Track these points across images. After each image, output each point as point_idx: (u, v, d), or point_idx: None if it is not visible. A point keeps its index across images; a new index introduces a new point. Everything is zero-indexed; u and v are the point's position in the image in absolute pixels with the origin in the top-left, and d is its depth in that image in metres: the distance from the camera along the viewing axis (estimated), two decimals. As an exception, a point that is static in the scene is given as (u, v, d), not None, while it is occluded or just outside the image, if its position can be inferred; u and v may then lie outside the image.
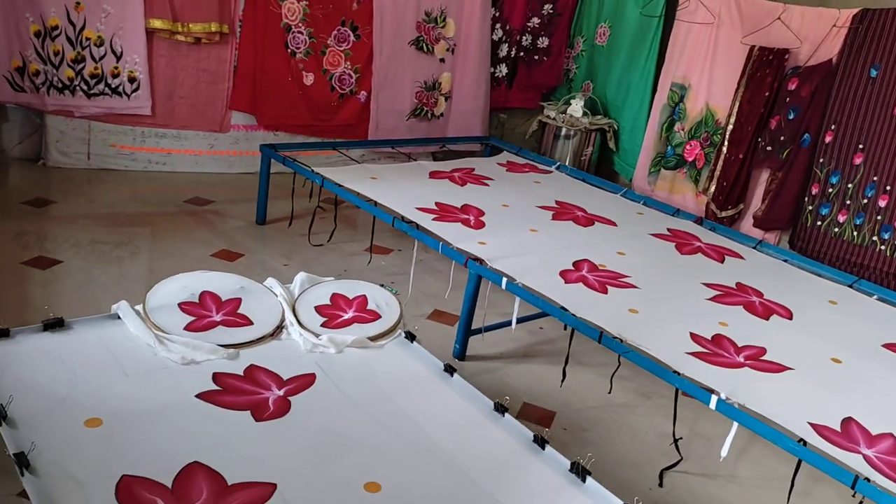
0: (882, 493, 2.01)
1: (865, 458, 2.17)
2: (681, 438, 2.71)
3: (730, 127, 4.40)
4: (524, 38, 5.58)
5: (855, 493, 2.11)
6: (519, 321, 3.29)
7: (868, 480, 2.05)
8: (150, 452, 1.79)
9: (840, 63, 3.96)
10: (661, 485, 2.60)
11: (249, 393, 2.10)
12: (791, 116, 4.09)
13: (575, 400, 3.04)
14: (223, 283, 2.56)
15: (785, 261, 3.67)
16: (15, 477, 2.06)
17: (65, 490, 1.63)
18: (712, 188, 4.49)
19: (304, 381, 2.18)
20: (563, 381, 2.99)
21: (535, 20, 5.55)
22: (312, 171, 3.88)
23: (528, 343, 3.45)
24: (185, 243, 3.89)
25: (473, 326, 3.26)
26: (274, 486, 1.75)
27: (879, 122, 3.81)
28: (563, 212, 3.95)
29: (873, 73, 3.83)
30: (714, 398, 2.33)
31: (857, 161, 3.87)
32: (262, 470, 1.80)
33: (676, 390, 2.52)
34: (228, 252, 3.86)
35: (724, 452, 2.38)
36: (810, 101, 4.02)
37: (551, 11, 5.56)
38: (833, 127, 3.96)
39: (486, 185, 4.25)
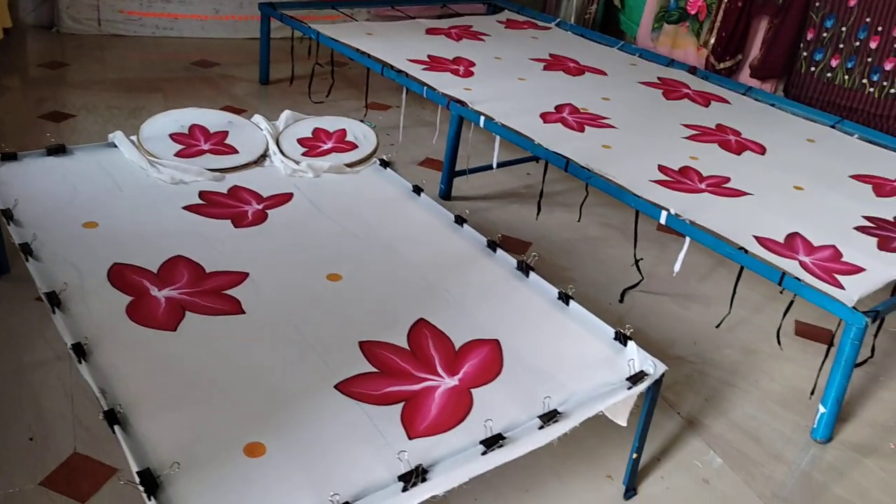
0: (806, 287, 2.18)
1: (801, 263, 2.32)
2: (641, 259, 2.89)
3: (731, -25, 4.33)
4: None
5: (782, 290, 2.28)
6: (505, 164, 3.45)
7: (799, 280, 2.21)
8: (140, 248, 2.04)
9: None
10: (621, 301, 2.81)
11: (231, 206, 2.32)
12: (790, -41, 4.02)
13: (551, 234, 3.22)
14: (212, 118, 2.75)
15: (772, 105, 3.72)
16: (33, 285, 2.35)
17: (63, 273, 1.89)
18: (712, 40, 4.47)
19: (282, 199, 2.40)
20: (538, 214, 3.17)
21: None
22: (309, 26, 3.98)
23: (513, 186, 3.61)
24: (190, 101, 4.05)
25: (462, 170, 3.43)
26: (246, 274, 1.99)
27: (879, -38, 3.72)
28: (554, 63, 4.02)
29: None
30: (664, 213, 2.49)
31: (852, 3, 3.82)
32: (237, 263, 2.04)
33: (636, 212, 2.68)
34: (232, 108, 4.04)
35: (676, 268, 2.56)
36: (809, -58, 3.93)
37: None
38: (831, -32, 3.89)
39: (482, 40, 4.30)
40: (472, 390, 1.70)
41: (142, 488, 1.33)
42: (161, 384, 1.60)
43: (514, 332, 1.91)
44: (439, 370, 1.75)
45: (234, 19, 5.01)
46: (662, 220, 2.50)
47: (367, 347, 1.79)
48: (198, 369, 1.66)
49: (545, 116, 3.26)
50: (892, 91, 3.68)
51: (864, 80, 3.79)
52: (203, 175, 2.43)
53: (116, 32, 4.79)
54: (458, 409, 1.64)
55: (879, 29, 3.71)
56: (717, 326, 2.68)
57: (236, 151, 2.60)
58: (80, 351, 1.62)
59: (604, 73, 3.93)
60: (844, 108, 3.88)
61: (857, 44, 3.81)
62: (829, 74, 3.95)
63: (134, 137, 2.55)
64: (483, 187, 3.54)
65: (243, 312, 1.85)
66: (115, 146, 2.52)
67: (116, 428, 1.45)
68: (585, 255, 3.10)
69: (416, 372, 1.73)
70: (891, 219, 2.66)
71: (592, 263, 3.04)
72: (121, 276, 1.91)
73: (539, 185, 3.64)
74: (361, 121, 2.86)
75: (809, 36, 4.01)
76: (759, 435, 2.24)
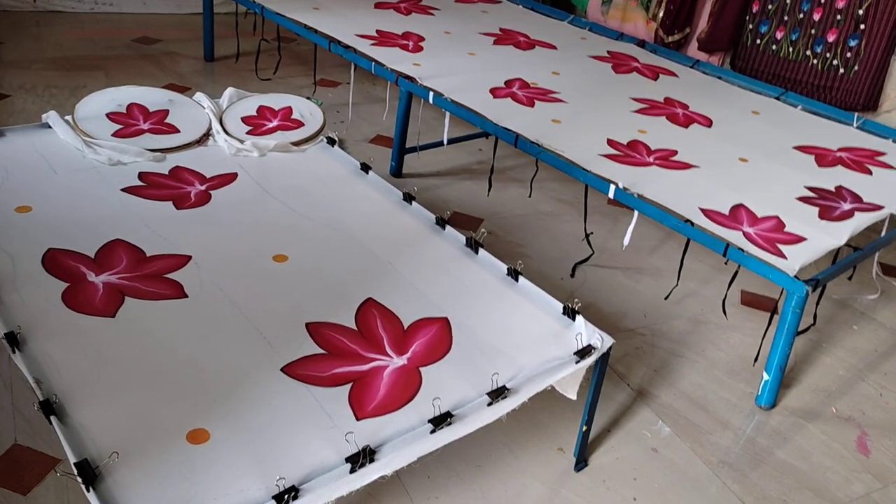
0: (748, 257, 2.21)
1: (745, 234, 2.35)
2: (592, 233, 2.91)
3: (679, -52, 4.34)
4: None
5: (727, 261, 2.31)
6: (456, 141, 3.43)
7: (742, 251, 2.25)
8: (76, 232, 1.97)
9: None
10: (572, 276, 2.82)
11: (173, 188, 2.26)
12: (736, -68, 4.04)
13: (503, 210, 3.22)
14: (151, 96, 2.67)
15: (719, 78, 3.75)
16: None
17: (-4, 260, 1.82)
18: (661, 13, 4.49)
19: (226, 179, 2.34)
20: (489, 190, 3.16)
21: None
22: (253, 0, 3.87)
23: (465, 162, 3.60)
24: (132, 79, 3.94)
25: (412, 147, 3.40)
26: (189, 257, 1.95)
27: (822, -66, 3.77)
28: (505, 38, 3.99)
29: None
30: (612, 187, 2.50)
31: (796, -25, 3.87)
32: (179, 245, 1.99)
33: (586, 186, 2.68)
34: (176, 86, 3.93)
35: (625, 241, 2.58)
36: (754, -86, 3.95)
37: None
38: (775, -59, 3.92)
39: (432, 14, 4.24)
40: (421, 369, 1.69)
41: (80, 479, 1.29)
42: (99, 372, 1.55)
43: (463, 309, 1.90)
44: (388, 350, 1.73)
45: (176, -7, 4.86)
46: (611, 195, 2.51)
47: (315, 329, 1.76)
48: (138, 356, 1.62)
49: (495, 91, 3.23)
50: (835, 63, 3.75)
51: (808, 52, 3.85)
52: (142, 155, 2.36)
53: (53, 9, 4.61)
54: (406, 388, 1.63)
55: (822, 1, 3.77)
56: (665, 298, 2.72)
57: (177, 131, 2.53)
58: (14, 340, 1.56)
59: (554, 48, 3.92)
60: (789, 80, 3.94)
61: (801, 16, 3.87)
62: (774, 47, 4.00)
63: (69, 117, 2.46)
64: (435, 164, 3.51)
65: (186, 296, 1.81)
66: (50, 127, 2.43)
67: (53, 418, 1.41)
68: (538, 230, 3.11)
69: (364, 352, 1.71)
70: (832, 189, 2.71)
71: (545, 239, 3.05)
72: (56, 261, 1.85)
73: (491, 161, 3.64)
74: (308, 98, 2.80)
75: (755, 8, 4.05)
76: (705, 403, 2.28)
